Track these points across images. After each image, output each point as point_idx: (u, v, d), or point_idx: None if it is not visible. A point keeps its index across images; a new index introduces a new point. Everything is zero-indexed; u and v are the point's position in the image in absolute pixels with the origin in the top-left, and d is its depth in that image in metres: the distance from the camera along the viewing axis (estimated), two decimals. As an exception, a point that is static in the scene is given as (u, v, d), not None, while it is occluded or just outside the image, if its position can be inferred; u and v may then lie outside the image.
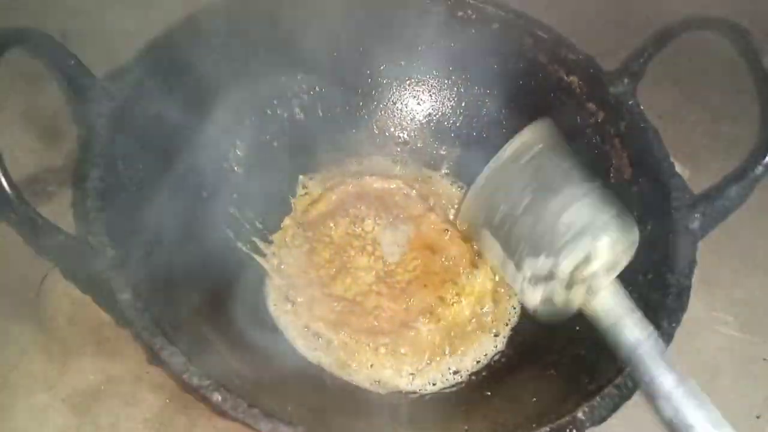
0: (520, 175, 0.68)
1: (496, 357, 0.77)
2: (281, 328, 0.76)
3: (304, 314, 0.77)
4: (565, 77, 0.81)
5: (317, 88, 0.89)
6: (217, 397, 0.51)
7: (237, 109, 0.83)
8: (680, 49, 0.77)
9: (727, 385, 0.83)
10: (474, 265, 0.83)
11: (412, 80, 0.93)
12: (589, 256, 0.62)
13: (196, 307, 0.66)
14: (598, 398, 0.55)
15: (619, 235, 0.64)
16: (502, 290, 0.82)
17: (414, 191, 0.90)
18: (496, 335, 0.78)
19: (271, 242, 0.83)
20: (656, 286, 0.65)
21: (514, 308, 0.81)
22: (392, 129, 0.95)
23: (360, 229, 0.85)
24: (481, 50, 0.87)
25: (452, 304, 0.79)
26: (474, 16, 0.85)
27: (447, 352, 0.76)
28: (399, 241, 0.85)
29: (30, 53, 0.65)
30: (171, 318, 0.57)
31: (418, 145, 0.95)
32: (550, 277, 0.64)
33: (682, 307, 0.62)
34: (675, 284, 0.63)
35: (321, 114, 0.91)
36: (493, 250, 0.70)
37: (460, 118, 0.93)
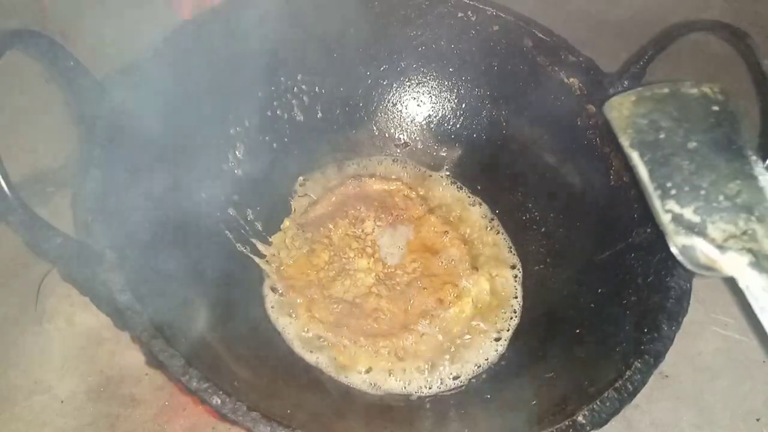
0: (698, 116, 0.63)
1: (497, 360, 0.77)
2: (280, 330, 0.75)
3: (303, 316, 0.76)
4: (566, 79, 0.81)
5: (317, 90, 0.89)
6: (216, 400, 0.51)
7: (236, 110, 0.83)
8: (681, 51, 0.77)
9: (727, 386, 0.84)
10: (474, 267, 0.83)
11: (412, 82, 0.93)
12: (746, 233, 0.57)
13: (195, 309, 0.66)
14: (598, 402, 0.55)
15: None
16: (503, 293, 0.82)
17: (414, 193, 0.90)
18: (497, 339, 0.78)
19: (270, 244, 0.83)
20: (657, 289, 0.64)
21: (515, 311, 0.81)
22: (392, 130, 0.95)
23: (360, 230, 0.85)
24: (482, 52, 0.87)
25: (452, 307, 0.79)
26: (474, 18, 0.85)
27: (447, 357, 0.76)
28: (399, 243, 0.85)
29: (30, 54, 0.65)
30: (170, 320, 0.57)
31: (418, 146, 0.95)
32: (699, 232, 0.58)
33: (682, 310, 0.62)
34: (675, 287, 0.63)
35: (321, 115, 0.91)
36: (633, 161, 0.63)
37: (460, 120, 0.93)
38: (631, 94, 0.65)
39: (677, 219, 0.58)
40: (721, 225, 0.58)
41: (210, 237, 0.77)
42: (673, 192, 0.59)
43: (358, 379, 0.73)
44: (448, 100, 0.93)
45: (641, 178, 0.61)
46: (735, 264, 0.56)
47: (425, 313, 0.78)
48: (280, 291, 0.79)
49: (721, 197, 0.59)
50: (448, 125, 0.94)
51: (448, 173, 0.93)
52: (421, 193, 0.91)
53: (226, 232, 0.80)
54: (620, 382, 0.57)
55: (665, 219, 0.59)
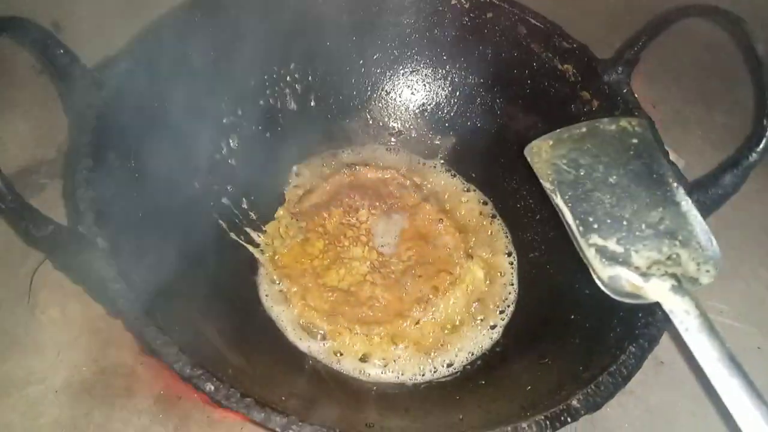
0: (618, 150, 0.65)
1: (491, 347, 0.77)
2: (274, 318, 0.75)
3: (297, 304, 0.76)
4: (560, 66, 0.81)
5: (310, 78, 0.89)
6: (210, 386, 0.51)
7: (229, 99, 0.82)
8: (675, 38, 0.76)
9: (722, 373, 0.83)
10: (469, 255, 0.83)
11: (406, 70, 0.93)
12: (671, 258, 0.60)
13: (188, 297, 0.66)
14: (592, 386, 0.55)
15: (703, 251, 0.60)
16: (498, 280, 0.82)
17: (409, 181, 0.90)
18: (492, 327, 0.78)
19: (264, 233, 0.83)
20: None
21: (510, 299, 0.81)
22: (386, 119, 0.94)
23: (354, 219, 0.85)
24: (475, 39, 0.87)
25: (447, 294, 0.79)
26: (467, 5, 0.85)
27: (442, 344, 0.76)
28: (393, 231, 0.85)
29: (19, 42, 0.65)
30: (163, 308, 0.57)
31: (413, 134, 0.95)
32: (623, 261, 0.60)
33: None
34: (669, 273, 0.63)
35: (314, 104, 0.90)
36: (554, 201, 0.65)
37: (455, 108, 0.93)
38: (548, 137, 0.67)
39: (601, 251, 0.60)
40: (644, 253, 0.60)
41: (204, 226, 0.76)
42: (596, 226, 0.61)
43: (352, 366, 0.73)
44: (442, 88, 0.92)
45: (564, 217, 0.63)
46: (658, 289, 0.58)
47: (420, 300, 0.78)
48: (275, 280, 0.78)
49: (643, 225, 0.61)
50: (442, 113, 0.93)
51: (442, 161, 0.93)
52: (415, 181, 0.90)
53: (220, 221, 0.79)
54: (614, 366, 0.57)
55: (589, 253, 0.61)
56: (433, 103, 0.93)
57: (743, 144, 0.66)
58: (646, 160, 0.65)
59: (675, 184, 0.63)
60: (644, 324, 0.60)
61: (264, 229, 0.83)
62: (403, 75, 0.93)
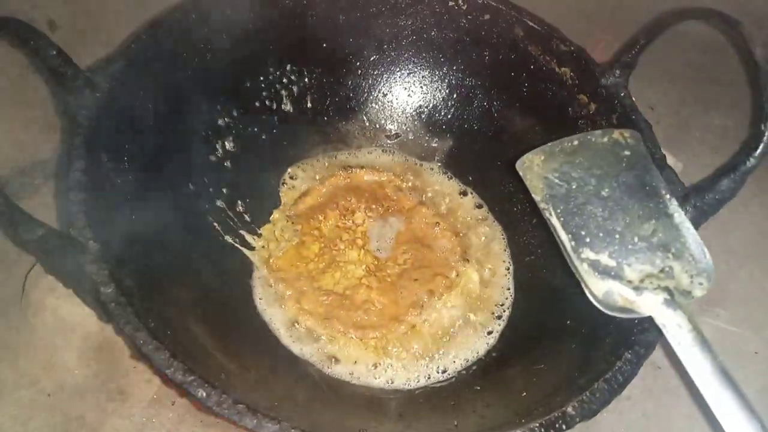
0: (610, 163, 0.65)
1: (487, 352, 0.76)
2: (268, 322, 0.75)
3: (292, 308, 0.76)
4: (557, 69, 0.81)
5: (306, 80, 0.88)
6: (201, 393, 0.50)
7: (224, 100, 0.82)
8: (673, 41, 0.76)
9: (719, 378, 0.83)
10: (465, 259, 0.83)
11: (403, 72, 0.92)
12: (663, 271, 0.59)
13: (182, 301, 0.65)
14: (588, 393, 0.55)
15: (696, 263, 0.60)
16: (494, 284, 0.82)
17: (405, 184, 0.89)
18: (488, 332, 0.78)
19: (259, 235, 0.82)
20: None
21: (506, 303, 0.80)
22: (383, 121, 0.94)
23: (350, 222, 0.85)
24: (472, 41, 0.86)
25: (442, 298, 0.79)
26: (465, 7, 0.84)
27: (437, 349, 0.76)
28: (389, 234, 0.84)
29: (11, 43, 0.64)
30: (156, 312, 0.56)
31: (409, 137, 0.94)
32: (615, 275, 0.60)
33: (673, 300, 0.61)
34: (666, 278, 0.62)
35: (310, 106, 0.90)
36: (546, 216, 0.64)
37: (452, 110, 0.92)
38: (539, 151, 0.66)
39: (593, 265, 0.60)
40: (637, 266, 0.59)
41: (198, 229, 0.76)
42: (588, 240, 0.61)
43: (346, 371, 0.72)
44: (439, 91, 0.92)
45: (556, 233, 0.62)
46: (651, 303, 0.57)
47: (416, 304, 0.78)
48: (269, 283, 0.78)
49: (636, 239, 0.60)
50: (439, 116, 0.93)
51: (439, 164, 0.93)
52: (412, 184, 0.90)
53: (215, 224, 0.79)
54: (610, 373, 0.56)
55: (581, 268, 0.60)
56: (430, 105, 0.93)
57: (741, 149, 0.66)
58: (639, 172, 0.64)
59: (668, 196, 0.62)
60: (640, 330, 0.59)
61: (259, 231, 0.82)
62: (400, 77, 0.92)
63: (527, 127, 0.86)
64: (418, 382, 0.73)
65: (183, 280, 0.67)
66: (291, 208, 0.85)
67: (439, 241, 0.84)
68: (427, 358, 0.75)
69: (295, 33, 0.85)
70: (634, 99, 0.77)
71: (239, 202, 0.82)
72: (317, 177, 0.89)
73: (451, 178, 0.91)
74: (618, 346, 0.59)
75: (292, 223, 0.84)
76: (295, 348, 0.73)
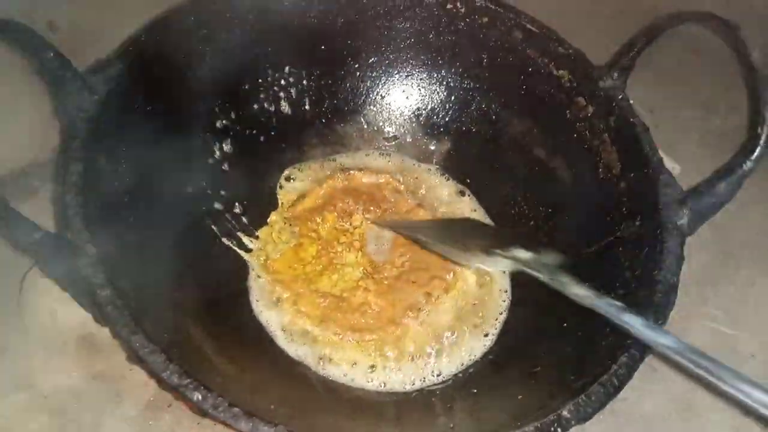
0: None
1: (483, 355, 0.76)
2: (265, 324, 0.75)
3: (289, 310, 0.76)
4: (555, 71, 0.81)
5: (304, 82, 0.88)
6: (197, 396, 0.50)
7: (222, 102, 0.82)
8: (674, 43, 0.76)
9: (716, 381, 0.83)
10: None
11: (401, 74, 0.92)
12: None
13: (178, 303, 0.65)
14: (583, 396, 0.55)
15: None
16: (492, 287, 0.81)
17: (403, 186, 0.89)
18: (485, 335, 0.78)
19: (256, 238, 0.82)
20: (644, 283, 0.64)
21: (504, 306, 0.80)
22: (381, 123, 0.94)
23: (348, 224, 0.84)
24: (471, 44, 0.87)
25: (439, 300, 0.79)
26: (463, 10, 0.84)
27: (434, 351, 0.75)
28: (387, 237, 0.84)
29: (9, 45, 0.64)
30: (152, 315, 0.56)
31: (407, 139, 0.94)
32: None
33: (669, 304, 0.61)
34: (663, 281, 0.62)
35: (308, 108, 0.90)
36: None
37: (450, 113, 0.92)
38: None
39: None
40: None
41: (195, 231, 0.76)
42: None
43: (342, 374, 0.72)
44: (437, 93, 0.92)
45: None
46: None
47: (413, 307, 0.78)
48: (266, 285, 0.78)
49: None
50: (437, 118, 0.93)
51: (437, 166, 0.93)
52: (410, 186, 0.90)
53: (213, 226, 0.79)
54: (606, 376, 0.56)
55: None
56: (428, 107, 0.93)
57: (738, 152, 0.66)
58: None
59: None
60: (637, 333, 0.59)
61: (256, 234, 0.82)
62: (398, 79, 0.92)
63: (525, 129, 0.86)
64: (413, 384, 0.73)
65: (180, 283, 0.67)
66: (289, 210, 0.85)
67: (437, 244, 0.84)
68: (422, 361, 0.75)
69: (294, 35, 0.85)
70: (634, 102, 0.77)
71: (237, 204, 0.83)
72: (315, 179, 0.89)
73: (449, 180, 0.91)
74: (614, 350, 0.59)
75: (290, 225, 0.84)
76: (292, 351, 0.73)
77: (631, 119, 0.74)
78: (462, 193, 0.90)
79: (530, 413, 0.56)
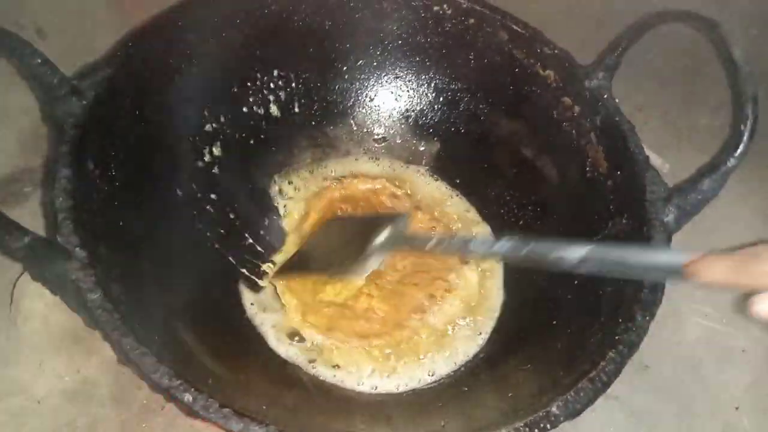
0: None
1: (476, 354, 0.77)
2: (257, 327, 0.75)
3: (294, 320, 0.76)
4: (541, 72, 0.81)
5: (293, 85, 0.89)
6: (188, 397, 0.50)
7: (211, 106, 0.82)
8: (662, 42, 0.77)
9: (707, 376, 0.84)
10: (463, 261, 0.83)
11: (390, 76, 0.92)
12: None
13: (170, 306, 0.65)
14: (572, 392, 0.55)
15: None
16: (488, 285, 0.82)
17: (400, 190, 0.90)
18: (479, 333, 0.78)
19: (248, 240, 0.82)
20: (631, 280, 0.65)
21: (496, 302, 0.81)
22: (370, 125, 0.94)
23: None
24: (458, 45, 0.87)
25: (442, 301, 0.79)
26: (450, 11, 0.85)
27: (435, 352, 0.76)
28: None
29: (-4, 51, 0.64)
30: (143, 318, 0.56)
31: (397, 140, 0.95)
32: None
33: (656, 300, 0.62)
34: (650, 278, 0.63)
35: (297, 111, 0.90)
36: None
37: (438, 114, 0.93)
38: None
39: None
40: None
41: (186, 235, 0.76)
42: None
43: (332, 374, 0.73)
44: (426, 94, 0.92)
45: None
46: None
47: (417, 309, 0.78)
48: (261, 288, 0.78)
49: None
50: (426, 119, 0.94)
51: (427, 167, 0.93)
52: (406, 190, 0.90)
53: (207, 233, 0.79)
54: (594, 372, 0.57)
55: None
56: (417, 109, 0.93)
57: (722, 149, 0.67)
58: None
59: None
60: (624, 329, 0.60)
61: (247, 236, 0.82)
62: (386, 81, 0.93)
63: (513, 129, 0.87)
64: (406, 385, 0.73)
65: (171, 286, 0.67)
66: (296, 231, 0.85)
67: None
68: (420, 361, 0.75)
69: (282, 38, 0.85)
70: (623, 100, 0.77)
71: (228, 207, 0.83)
72: (312, 192, 0.89)
73: (438, 180, 0.92)
74: (602, 346, 0.60)
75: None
76: (284, 352, 0.73)
77: (617, 118, 0.75)
78: (452, 194, 0.91)
79: (521, 410, 0.56)
